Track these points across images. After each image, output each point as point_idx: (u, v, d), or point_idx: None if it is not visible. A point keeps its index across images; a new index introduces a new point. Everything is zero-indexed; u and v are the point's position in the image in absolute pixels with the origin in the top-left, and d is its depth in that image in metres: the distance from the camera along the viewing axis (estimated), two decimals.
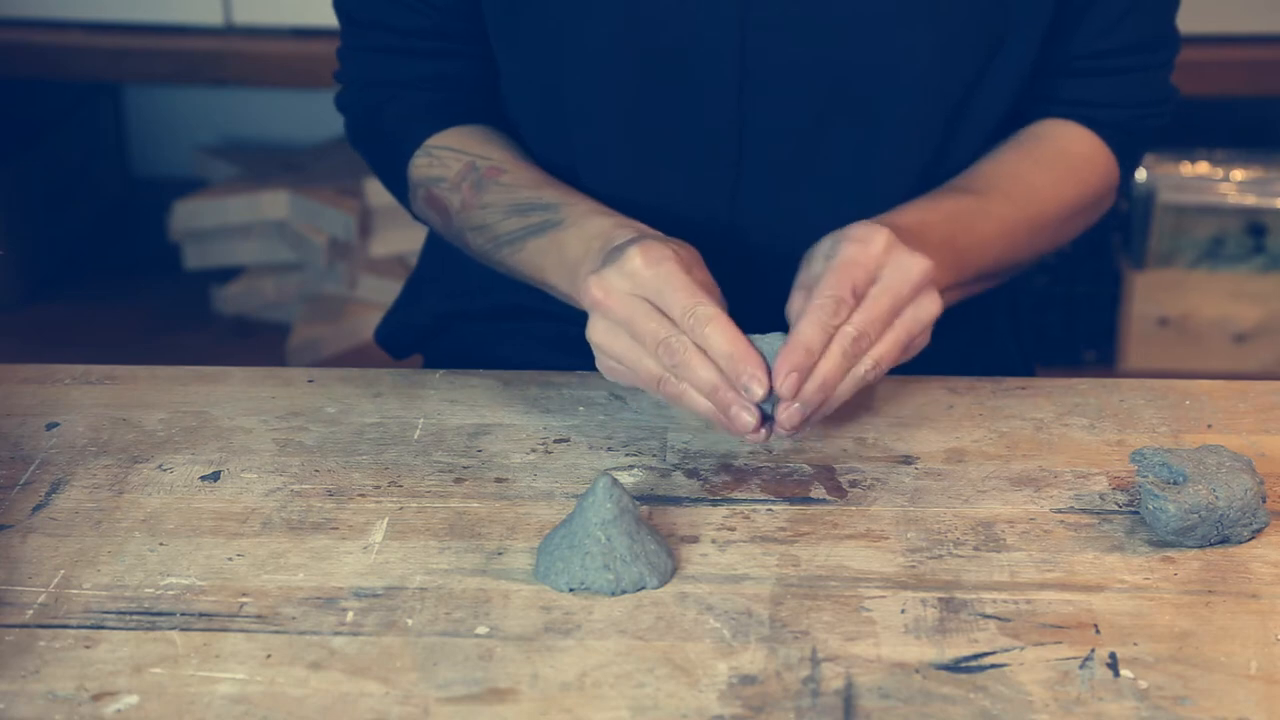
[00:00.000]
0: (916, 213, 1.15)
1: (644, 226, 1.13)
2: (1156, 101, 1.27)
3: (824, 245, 1.08)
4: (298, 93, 2.58)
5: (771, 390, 1.02)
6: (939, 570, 0.99)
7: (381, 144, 1.29)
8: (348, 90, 1.30)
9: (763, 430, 1.03)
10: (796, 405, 1.03)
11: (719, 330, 1.02)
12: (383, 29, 1.25)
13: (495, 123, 1.27)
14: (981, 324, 1.31)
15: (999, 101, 1.22)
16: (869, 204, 1.19)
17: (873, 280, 1.04)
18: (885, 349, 1.05)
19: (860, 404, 1.16)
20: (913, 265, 1.05)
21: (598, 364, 1.08)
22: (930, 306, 1.06)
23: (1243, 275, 2.29)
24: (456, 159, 1.23)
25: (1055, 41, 1.22)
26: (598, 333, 1.06)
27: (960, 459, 1.11)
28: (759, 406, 1.03)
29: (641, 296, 1.04)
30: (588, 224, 1.14)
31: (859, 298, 1.04)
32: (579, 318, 1.17)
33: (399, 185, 1.28)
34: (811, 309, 1.03)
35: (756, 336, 1.05)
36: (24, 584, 0.98)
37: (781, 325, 1.07)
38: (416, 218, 1.31)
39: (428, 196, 1.25)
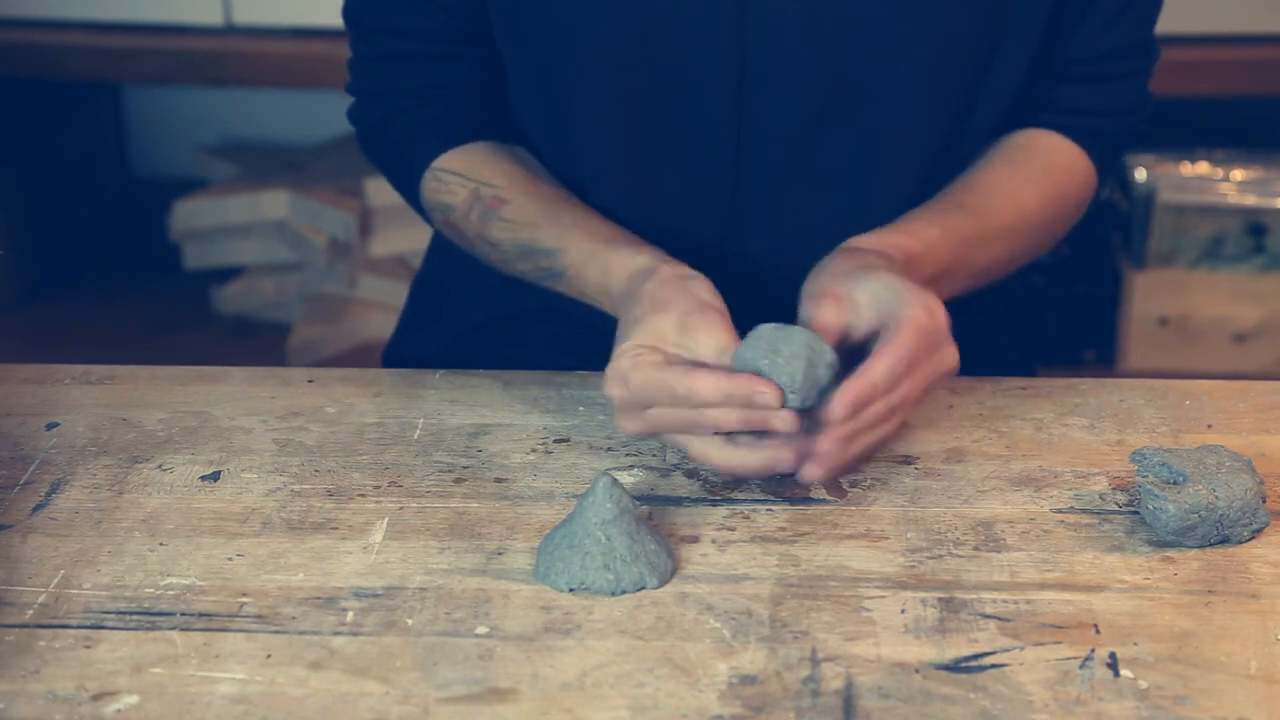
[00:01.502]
0: (925, 236, 1.15)
1: (635, 266, 1.13)
2: (1138, 109, 1.28)
3: (879, 283, 1.06)
4: (298, 93, 2.58)
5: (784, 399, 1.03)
6: (939, 570, 0.99)
7: (393, 158, 1.29)
8: (359, 102, 1.30)
9: (790, 414, 1.03)
10: (827, 460, 1.03)
11: (703, 386, 1.02)
12: (391, 34, 1.25)
13: (504, 132, 1.27)
14: (981, 324, 1.31)
15: (998, 106, 1.22)
16: (869, 207, 1.19)
17: (930, 355, 1.05)
18: (896, 422, 1.06)
19: None
20: (951, 358, 1.06)
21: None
22: (926, 395, 1.07)
23: (1243, 275, 2.29)
24: (462, 185, 1.23)
25: (1049, 46, 1.22)
26: (629, 427, 1.08)
27: (960, 459, 1.11)
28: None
29: (641, 402, 1.05)
30: (587, 275, 1.16)
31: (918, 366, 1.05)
32: (582, 320, 1.17)
33: (413, 197, 1.29)
34: (891, 356, 1.03)
35: (769, 327, 1.04)
36: (24, 584, 0.98)
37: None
38: (435, 228, 1.31)
39: (445, 222, 1.26)
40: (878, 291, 1.06)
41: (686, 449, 1.06)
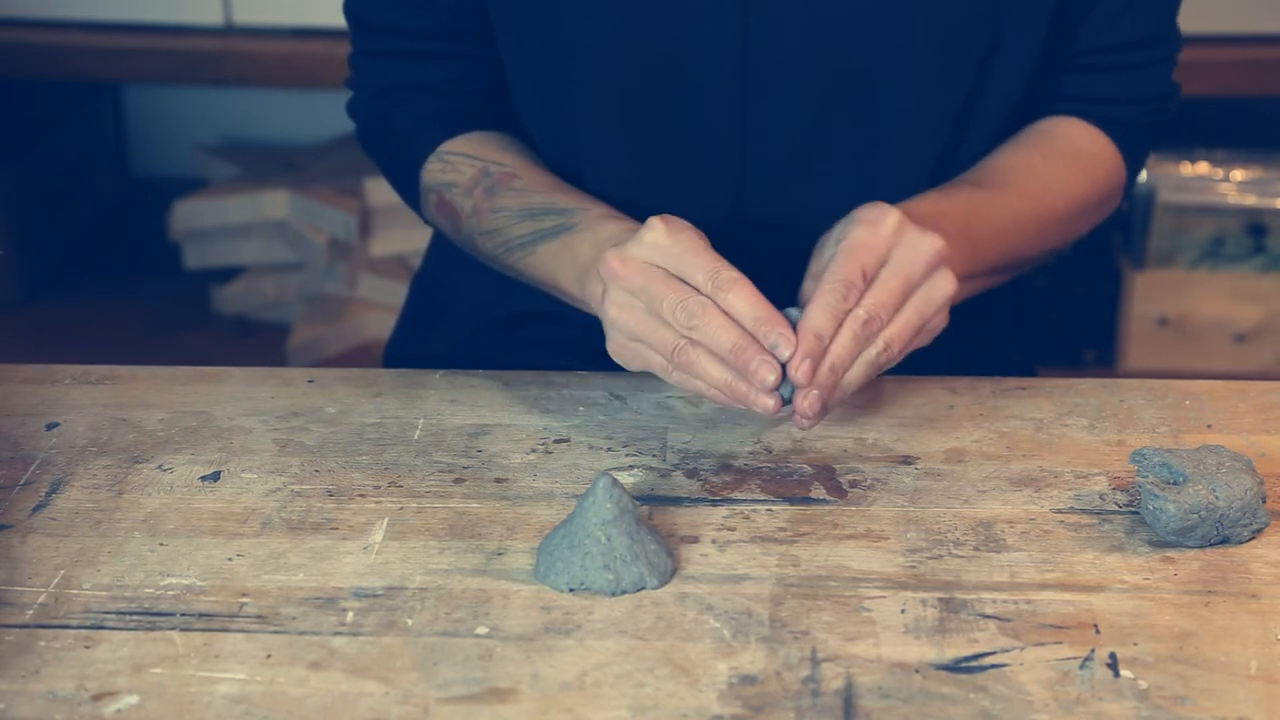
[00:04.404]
0: (931, 203, 1.15)
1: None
2: (1159, 97, 1.27)
3: (835, 231, 1.07)
4: (298, 93, 2.58)
5: (785, 375, 1.02)
6: (939, 570, 0.99)
7: (392, 148, 1.29)
8: (358, 96, 1.30)
9: (776, 400, 1.02)
10: (815, 392, 1.02)
11: (744, 293, 1.02)
12: (392, 32, 1.26)
13: (506, 128, 1.27)
14: (981, 324, 1.31)
15: (1005, 100, 1.22)
16: (874, 201, 1.19)
17: (883, 262, 1.04)
18: (897, 330, 1.04)
19: (861, 404, 1.16)
20: (924, 244, 1.04)
21: (609, 346, 1.07)
22: (945, 285, 1.05)
23: (1243, 275, 2.29)
24: (470, 164, 1.23)
25: (1060, 37, 1.22)
26: (613, 305, 1.05)
27: (960, 459, 1.11)
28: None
29: (661, 266, 1.04)
30: (600, 228, 1.14)
31: (869, 280, 1.03)
32: (582, 321, 1.17)
33: (409, 189, 1.28)
34: (820, 293, 1.02)
35: None
36: (24, 584, 0.98)
37: None
38: (427, 222, 1.31)
39: (439, 201, 1.25)
40: (838, 236, 1.06)
41: (667, 352, 1.04)
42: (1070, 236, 1.27)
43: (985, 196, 1.19)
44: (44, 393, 1.19)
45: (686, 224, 1.05)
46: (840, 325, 1.02)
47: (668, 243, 1.04)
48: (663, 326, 1.03)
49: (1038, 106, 1.25)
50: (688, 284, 1.03)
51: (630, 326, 1.05)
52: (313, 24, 2.21)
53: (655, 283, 1.03)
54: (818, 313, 1.02)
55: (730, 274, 1.02)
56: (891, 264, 1.04)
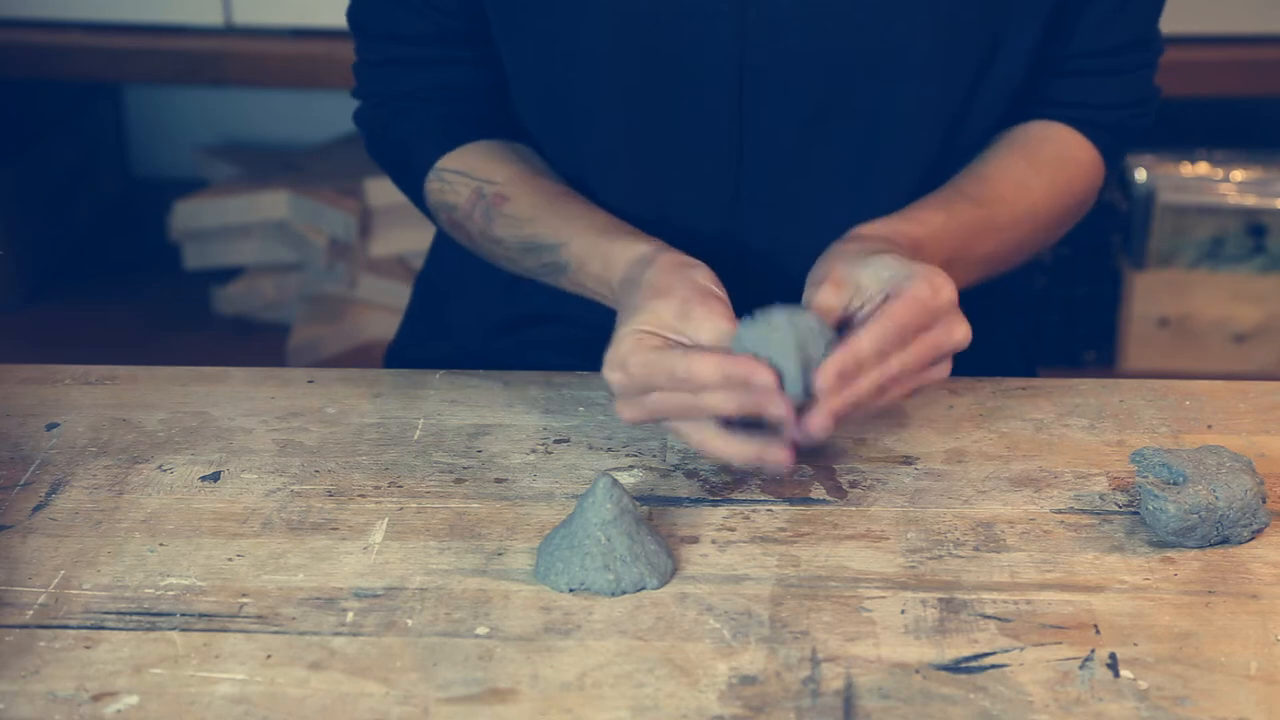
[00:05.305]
0: (931, 222, 1.15)
1: (635, 254, 1.13)
2: (1142, 101, 1.28)
3: (885, 265, 1.06)
4: (298, 93, 2.58)
5: (782, 384, 1.02)
6: (939, 570, 0.99)
7: (396, 159, 1.29)
8: (364, 106, 1.30)
9: (793, 418, 1.02)
10: (828, 412, 1.02)
11: (702, 368, 1.02)
12: (392, 39, 1.26)
13: (507, 132, 1.27)
14: (981, 324, 1.31)
15: (1000, 100, 1.22)
16: (871, 199, 1.19)
17: (928, 328, 1.04)
18: (899, 392, 1.05)
19: None
20: (958, 332, 1.05)
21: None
22: (943, 372, 1.06)
23: (1243, 275, 2.29)
24: (465, 184, 1.23)
25: (1051, 41, 1.22)
26: (628, 414, 1.07)
27: (960, 459, 1.11)
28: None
29: (641, 387, 1.04)
30: (589, 268, 1.15)
31: (914, 338, 1.04)
32: (588, 322, 1.17)
33: (419, 201, 1.29)
34: (878, 326, 1.02)
35: (766, 311, 1.04)
36: (24, 584, 0.98)
37: None
38: (444, 231, 1.31)
39: (450, 222, 1.26)
40: (882, 270, 1.06)
41: (683, 436, 1.05)
42: (1048, 242, 1.29)
43: (980, 217, 1.19)
44: (44, 393, 1.19)
45: (629, 349, 1.04)
46: (874, 365, 1.02)
47: (625, 379, 1.04)
48: (686, 425, 1.05)
49: (1023, 109, 1.26)
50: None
51: (648, 417, 1.06)
52: (313, 24, 2.21)
53: (650, 406, 1.05)
54: (869, 342, 1.01)
55: (681, 365, 1.02)
56: (931, 334, 1.04)
